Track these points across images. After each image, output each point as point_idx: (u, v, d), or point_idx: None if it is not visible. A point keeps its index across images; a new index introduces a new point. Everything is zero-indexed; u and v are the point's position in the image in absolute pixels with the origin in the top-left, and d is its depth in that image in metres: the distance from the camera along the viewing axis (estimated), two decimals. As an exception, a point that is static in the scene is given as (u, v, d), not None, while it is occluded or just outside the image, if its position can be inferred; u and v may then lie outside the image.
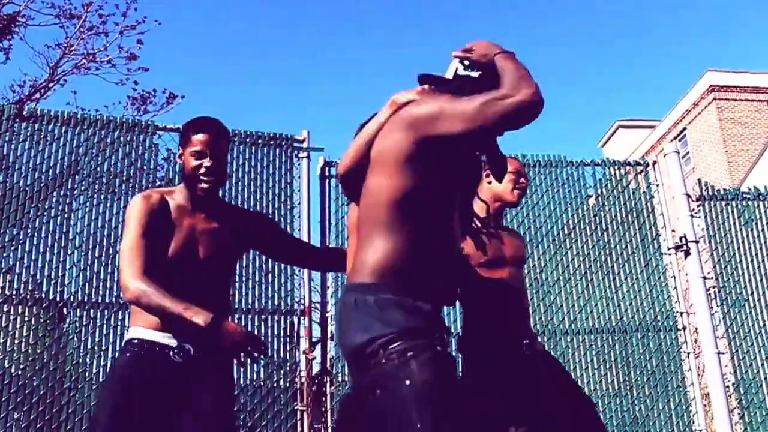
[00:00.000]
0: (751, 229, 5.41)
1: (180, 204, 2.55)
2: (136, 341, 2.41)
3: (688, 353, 5.01)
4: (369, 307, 1.64)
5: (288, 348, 4.64)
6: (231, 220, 2.65)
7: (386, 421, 1.55)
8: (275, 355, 4.59)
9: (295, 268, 4.76)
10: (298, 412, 4.51)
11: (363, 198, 1.85)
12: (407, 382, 1.53)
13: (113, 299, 4.41)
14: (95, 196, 4.59)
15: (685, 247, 5.09)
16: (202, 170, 2.50)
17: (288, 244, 2.93)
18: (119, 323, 4.35)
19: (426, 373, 1.56)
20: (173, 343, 2.40)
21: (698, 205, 5.36)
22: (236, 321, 4.57)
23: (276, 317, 4.66)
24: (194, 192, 2.53)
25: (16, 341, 4.19)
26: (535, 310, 5.00)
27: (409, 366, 1.55)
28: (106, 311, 4.38)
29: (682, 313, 5.10)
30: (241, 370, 4.47)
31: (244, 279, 4.67)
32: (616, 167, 5.50)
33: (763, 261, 5.33)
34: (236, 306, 4.60)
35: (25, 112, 4.67)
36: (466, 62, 1.89)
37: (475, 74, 1.88)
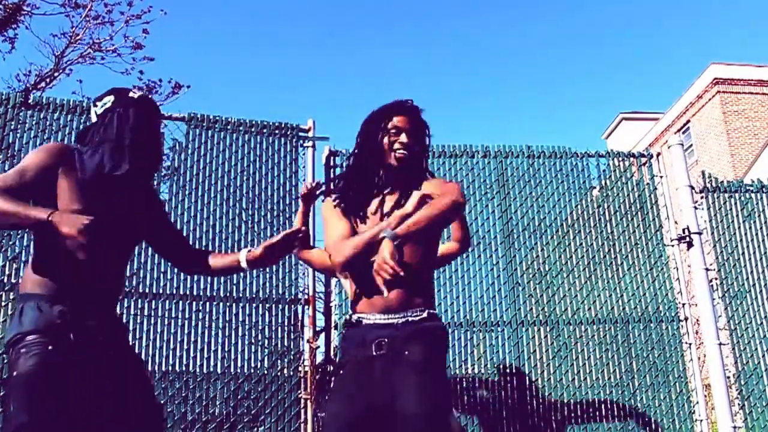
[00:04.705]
0: (754, 222, 5.43)
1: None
2: None
3: (690, 344, 5.03)
4: None
5: (292, 337, 4.66)
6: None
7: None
8: (279, 344, 4.62)
9: (299, 257, 4.77)
10: (302, 401, 4.54)
11: None
12: None
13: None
14: (101, 184, 4.60)
15: (687, 239, 5.10)
16: None
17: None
18: (124, 311, 4.38)
19: None
20: None
21: (701, 197, 5.37)
22: (240, 309, 4.61)
23: (280, 306, 4.69)
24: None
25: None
26: (538, 300, 5.03)
27: None
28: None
29: (684, 304, 5.12)
30: (245, 359, 4.51)
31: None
32: (619, 159, 5.50)
33: (765, 253, 5.34)
34: (240, 295, 4.63)
35: (30, 101, 4.65)
36: None
37: None
